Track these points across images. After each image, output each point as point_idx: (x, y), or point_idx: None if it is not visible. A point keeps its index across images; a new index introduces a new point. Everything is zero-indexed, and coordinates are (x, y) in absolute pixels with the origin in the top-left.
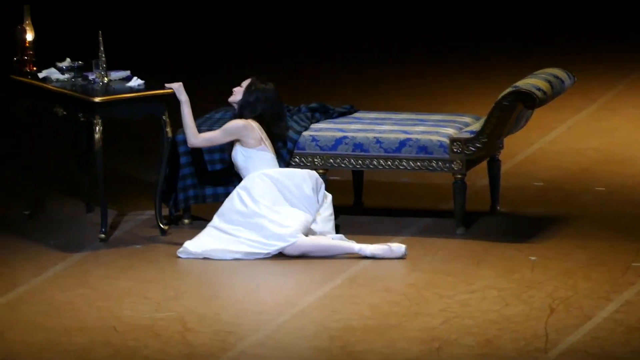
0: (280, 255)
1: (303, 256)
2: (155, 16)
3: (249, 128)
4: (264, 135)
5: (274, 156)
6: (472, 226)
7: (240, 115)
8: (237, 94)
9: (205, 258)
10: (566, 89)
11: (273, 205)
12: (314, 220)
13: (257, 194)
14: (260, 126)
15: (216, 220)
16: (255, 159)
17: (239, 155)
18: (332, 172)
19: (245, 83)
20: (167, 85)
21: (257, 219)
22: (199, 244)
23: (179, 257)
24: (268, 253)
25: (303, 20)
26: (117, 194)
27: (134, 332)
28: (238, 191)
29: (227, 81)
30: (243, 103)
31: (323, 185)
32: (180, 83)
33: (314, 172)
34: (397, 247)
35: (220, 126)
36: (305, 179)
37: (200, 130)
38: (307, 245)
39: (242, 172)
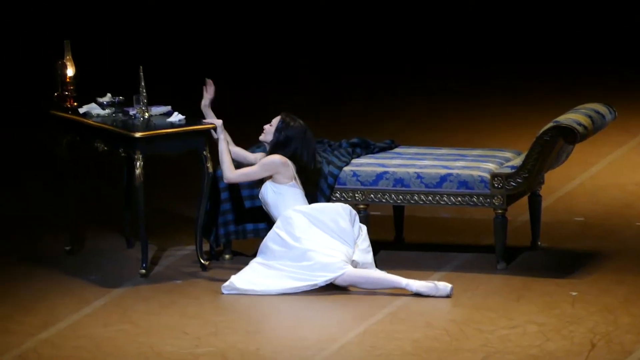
0: (322, 291)
1: (345, 290)
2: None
3: (286, 165)
4: (295, 173)
5: (303, 193)
6: (513, 261)
7: (271, 153)
8: (268, 133)
9: (250, 294)
10: (607, 124)
11: (315, 239)
12: (353, 253)
13: (297, 230)
14: (292, 163)
15: (259, 257)
16: (286, 195)
17: (269, 191)
18: (373, 207)
19: (275, 121)
20: (208, 121)
21: (302, 252)
22: (244, 280)
23: (223, 292)
24: (315, 284)
25: (342, 54)
26: (158, 229)
27: None
28: (276, 231)
29: (260, 117)
30: (275, 143)
31: (357, 217)
32: (221, 121)
33: (346, 205)
34: (443, 285)
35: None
36: (340, 212)
37: (242, 166)
38: (356, 276)
39: (271, 209)
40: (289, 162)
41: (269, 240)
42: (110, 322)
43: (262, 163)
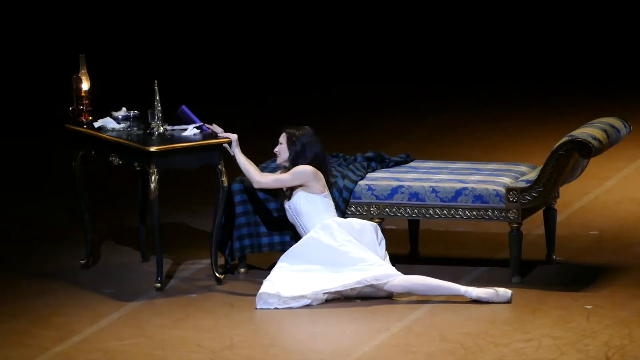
0: (337, 304)
1: (360, 303)
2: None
3: (318, 175)
4: (325, 185)
5: (334, 205)
6: (528, 275)
7: (294, 166)
8: (282, 152)
9: (289, 305)
10: (622, 138)
11: (358, 247)
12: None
13: (340, 236)
14: (322, 174)
15: (286, 263)
16: (320, 205)
17: (303, 200)
18: (388, 221)
19: (282, 139)
20: (223, 135)
21: (347, 254)
22: (287, 287)
23: (258, 307)
24: (363, 279)
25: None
26: (173, 242)
27: None
28: (314, 236)
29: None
30: (294, 156)
31: (383, 241)
32: (236, 135)
33: (375, 224)
34: (504, 292)
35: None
36: (371, 230)
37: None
38: (413, 282)
39: (303, 219)
40: (320, 173)
41: (303, 246)
42: (126, 336)
43: (293, 172)
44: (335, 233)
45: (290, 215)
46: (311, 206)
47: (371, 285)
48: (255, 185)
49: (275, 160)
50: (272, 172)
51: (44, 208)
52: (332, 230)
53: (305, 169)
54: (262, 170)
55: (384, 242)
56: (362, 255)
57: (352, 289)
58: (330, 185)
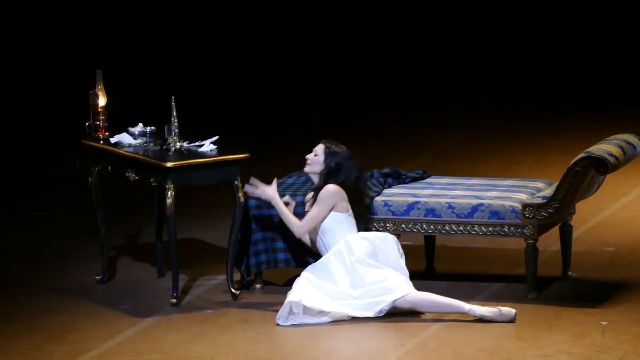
0: (352, 321)
1: (375, 319)
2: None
3: (342, 193)
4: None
5: (355, 222)
6: (544, 291)
7: (324, 183)
8: (314, 164)
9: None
10: (638, 155)
11: (376, 263)
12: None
13: (360, 253)
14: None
15: (311, 274)
16: (345, 223)
17: (328, 218)
18: (404, 237)
19: (319, 150)
20: (259, 192)
21: (362, 276)
22: (311, 298)
23: (278, 324)
24: (380, 309)
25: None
26: (189, 258)
27: None
28: (337, 254)
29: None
30: (327, 171)
31: (404, 255)
32: (273, 187)
33: (396, 239)
34: (507, 311)
35: (294, 191)
36: (393, 243)
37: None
38: (419, 299)
39: (326, 236)
40: (343, 192)
41: (328, 262)
42: (141, 352)
43: (321, 199)
44: (358, 251)
45: (312, 232)
46: (336, 224)
47: None
48: (297, 235)
49: (292, 175)
50: (289, 187)
51: (60, 224)
52: (352, 249)
53: (330, 191)
54: (279, 186)
55: (404, 256)
56: (382, 278)
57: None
58: (366, 208)
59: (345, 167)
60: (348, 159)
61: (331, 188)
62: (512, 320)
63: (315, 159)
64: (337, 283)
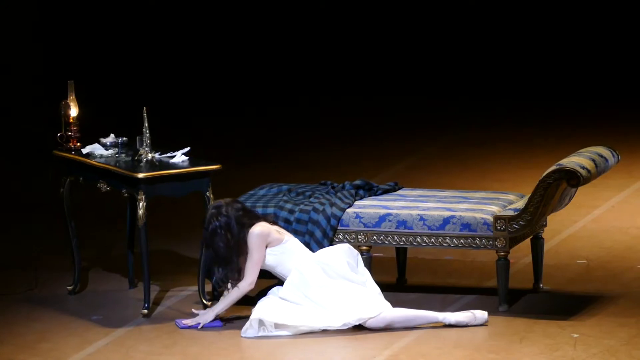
0: (324, 332)
1: (347, 331)
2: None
3: (264, 226)
4: (275, 227)
5: (296, 239)
6: (515, 303)
7: (242, 234)
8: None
9: (270, 335)
10: (610, 167)
11: (334, 289)
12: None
13: (314, 284)
14: (267, 223)
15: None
16: (286, 252)
17: (268, 257)
18: (375, 249)
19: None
20: (195, 322)
21: (323, 305)
22: (272, 313)
23: (242, 336)
24: (347, 322)
25: (346, 96)
26: (161, 269)
27: None
28: (291, 287)
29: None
30: (233, 238)
31: (359, 257)
32: (206, 317)
33: (346, 245)
34: (480, 314)
35: (265, 203)
36: (345, 254)
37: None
38: (392, 316)
39: (277, 269)
40: (263, 224)
41: (289, 284)
42: None
43: (251, 247)
44: (309, 282)
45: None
46: (280, 256)
47: None
48: (251, 286)
49: (263, 186)
50: (261, 199)
51: (31, 234)
52: (306, 280)
53: (254, 235)
54: (251, 197)
55: (359, 257)
56: (350, 294)
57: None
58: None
59: (226, 216)
60: (217, 212)
61: (254, 232)
62: (484, 323)
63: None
64: (303, 301)
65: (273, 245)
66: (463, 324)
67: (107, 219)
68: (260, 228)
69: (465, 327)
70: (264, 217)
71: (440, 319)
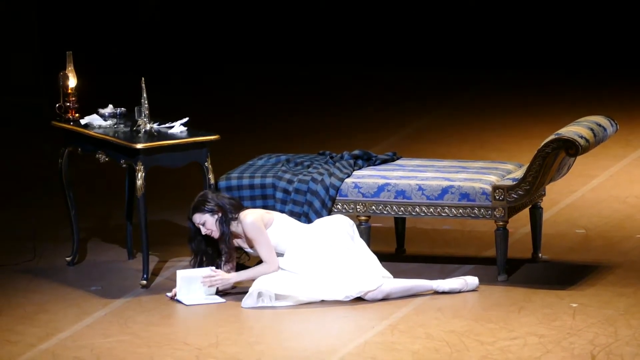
0: (323, 302)
1: (347, 302)
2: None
3: (256, 216)
4: (262, 210)
5: (284, 214)
6: (514, 273)
7: (226, 223)
8: (215, 231)
9: (270, 306)
10: (609, 137)
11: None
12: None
13: (314, 254)
14: (252, 209)
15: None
16: (281, 228)
17: (272, 239)
18: (374, 219)
19: (201, 221)
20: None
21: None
22: (270, 283)
23: (243, 307)
24: (349, 294)
25: (350, 64)
26: (159, 240)
27: None
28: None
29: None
30: (222, 220)
31: (354, 225)
32: (221, 277)
33: (341, 216)
34: (472, 279)
35: (264, 173)
36: (342, 224)
37: (243, 177)
38: (390, 287)
39: (279, 248)
40: (251, 211)
41: (290, 255)
42: (111, 333)
43: (253, 235)
44: (314, 246)
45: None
46: (277, 235)
47: None
48: (277, 269)
49: (262, 157)
50: (259, 169)
51: (31, 204)
52: (310, 244)
53: (250, 222)
54: (249, 167)
55: (355, 227)
56: (348, 265)
57: None
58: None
59: (220, 199)
60: (212, 196)
61: (248, 220)
62: (475, 289)
63: (212, 229)
64: (302, 275)
65: (268, 227)
66: (456, 290)
67: (106, 190)
68: (251, 215)
69: (459, 294)
70: (245, 206)
71: (434, 287)
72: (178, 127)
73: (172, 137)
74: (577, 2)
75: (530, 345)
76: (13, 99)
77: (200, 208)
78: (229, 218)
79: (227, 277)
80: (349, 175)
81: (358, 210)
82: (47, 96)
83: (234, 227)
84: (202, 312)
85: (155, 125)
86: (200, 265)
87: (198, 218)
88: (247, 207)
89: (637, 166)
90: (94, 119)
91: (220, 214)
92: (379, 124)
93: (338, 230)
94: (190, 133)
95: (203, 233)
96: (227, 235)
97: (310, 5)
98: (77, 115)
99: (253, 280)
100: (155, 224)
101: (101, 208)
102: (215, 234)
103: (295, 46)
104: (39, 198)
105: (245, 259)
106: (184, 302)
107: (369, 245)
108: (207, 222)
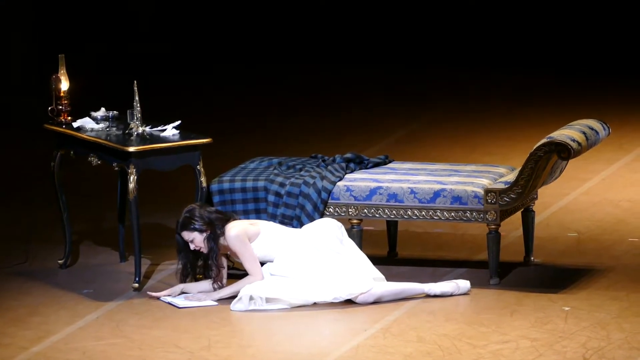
0: (315, 305)
1: (338, 305)
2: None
3: (240, 230)
4: (248, 221)
5: (271, 222)
6: (506, 277)
7: (215, 241)
8: (204, 247)
9: (260, 308)
10: (601, 140)
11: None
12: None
13: (304, 258)
14: (238, 219)
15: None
16: (267, 238)
17: (258, 251)
18: (366, 222)
19: (190, 238)
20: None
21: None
22: (260, 287)
23: (232, 310)
24: (338, 296)
25: (341, 64)
26: (152, 243)
27: None
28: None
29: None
30: (211, 237)
31: (342, 228)
32: (178, 289)
33: (329, 219)
34: (464, 283)
35: (256, 176)
36: (332, 228)
37: (235, 180)
38: (381, 291)
39: (268, 258)
40: (237, 222)
41: (280, 261)
42: (103, 336)
43: (237, 248)
44: (304, 251)
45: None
46: (264, 246)
47: None
48: (263, 277)
49: (254, 160)
50: (251, 172)
51: (23, 207)
52: (300, 249)
53: (234, 236)
54: (242, 171)
55: (343, 229)
56: (338, 268)
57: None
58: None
59: (207, 213)
60: (198, 211)
61: (232, 234)
62: (467, 292)
63: (200, 246)
64: (293, 279)
65: (254, 239)
66: (448, 293)
67: (98, 193)
68: (235, 229)
69: (451, 297)
70: (231, 216)
71: (425, 290)
72: (170, 130)
73: (165, 140)
74: (576, 4)
75: (522, 349)
76: (9, 98)
77: (188, 226)
78: (218, 234)
79: (212, 295)
80: (341, 179)
81: (350, 213)
82: (39, 97)
83: (222, 240)
84: (194, 315)
85: (147, 128)
86: (187, 276)
87: (187, 235)
88: (234, 218)
89: (629, 170)
90: (86, 122)
91: (209, 232)
92: (371, 127)
93: (327, 234)
94: (183, 136)
95: (192, 249)
96: (215, 252)
97: (299, 7)
98: (69, 118)
99: (236, 291)
100: (147, 227)
101: (93, 211)
102: (204, 250)
103: (295, 46)
104: (32, 200)
105: (237, 264)
106: (176, 304)
107: (361, 248)
108: (196, 240)
